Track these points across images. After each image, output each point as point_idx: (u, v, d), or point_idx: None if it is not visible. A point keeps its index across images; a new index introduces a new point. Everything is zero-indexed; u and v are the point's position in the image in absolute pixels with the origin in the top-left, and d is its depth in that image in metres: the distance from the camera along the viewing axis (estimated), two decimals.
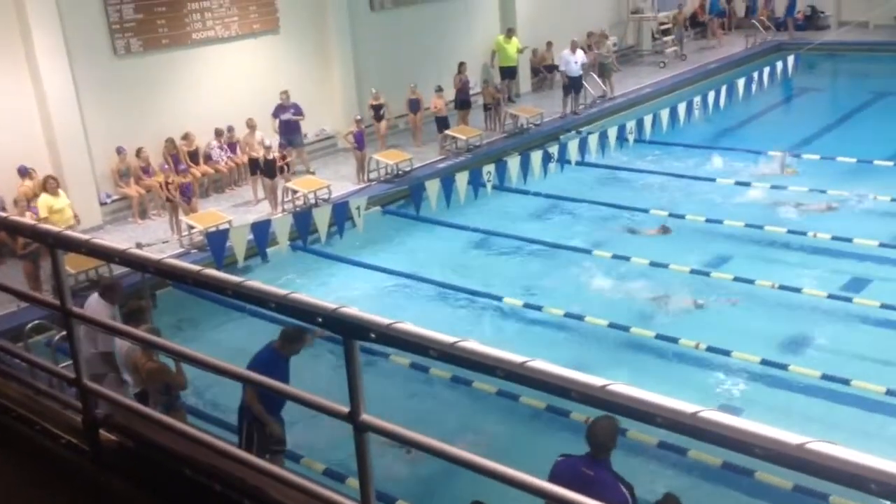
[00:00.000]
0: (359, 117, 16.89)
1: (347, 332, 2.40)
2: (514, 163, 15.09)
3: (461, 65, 19.12)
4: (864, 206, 14.16)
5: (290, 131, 16.70)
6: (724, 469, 7.64)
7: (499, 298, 11.78)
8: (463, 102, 18.80)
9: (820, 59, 24.44)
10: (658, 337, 10.38)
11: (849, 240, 12.46)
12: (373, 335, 2.35)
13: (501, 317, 11.51)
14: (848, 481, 1.60)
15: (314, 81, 18.17)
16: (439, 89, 18.27)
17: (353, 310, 2.44)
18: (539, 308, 11.41)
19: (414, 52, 19.89)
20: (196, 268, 2.77)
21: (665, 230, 13.73)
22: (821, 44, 23.84)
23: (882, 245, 12.32)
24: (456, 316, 11.43)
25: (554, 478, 4.66)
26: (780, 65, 21.11)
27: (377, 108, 18.13)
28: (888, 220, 13.51)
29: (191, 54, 16.26)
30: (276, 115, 16.64)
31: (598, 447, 5.12)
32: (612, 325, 10.73)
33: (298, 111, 16.77)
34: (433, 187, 14.07)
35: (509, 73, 21.47)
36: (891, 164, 15.69)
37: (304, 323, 2.53)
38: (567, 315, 11.13)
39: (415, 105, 18.34)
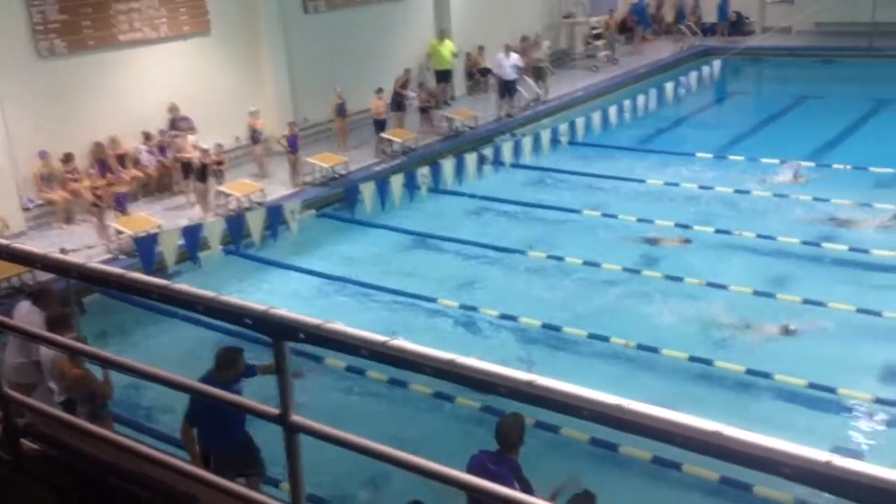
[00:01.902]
0: (292, 120, 16.75)
1: (277, 333, 2.39)
2: (449, 165, 15.16)
3: (407, 71, 19.28)
4: (781, 203, 14.60)
5: None
6: (654, 464, 7.81)
7: (433, 300, 11.81)
8: (398, 105, 18.80)
9: (745, 64, 25.18)
10: (590, 336, 10.53)
11: (773, 238, 12.88)
12: (302, 336, 2.35)
13: (437, 318, 11.54)
14: (761, 466, 1.66)
15: (247, 85, 17.94)
16: (379, 91, 18.23)
17: (282, 311, 2.43)
18: (474, 309, 11.48)
19: (349, 55, 19.81)
20: (120, 271, 2.72)
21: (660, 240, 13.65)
22: (746, 49, 24.57)
23: (805, 244, 12.73)
24: (391, 318, 11.41)
25: (468, 471, 4.78)
26: (707, 69, 21.70)
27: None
28: (805, 214, 13.97)
29: (118, 56, 15.88)
30: (171, 127, 16.24)
31: (505, 443, 5.33)
32: (545, 326, 10.86)
33: (190, 125, 16.35)
34: (368, 190, 14.05)
35: (444, 76, 21.58)
36: (812, 164, 16.24)
37: (233, 325, 2.51)
38: (502, 316, 11.22)
39: (341, 109, 18.24)
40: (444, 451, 5.97)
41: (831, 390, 8.98)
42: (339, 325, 2.31)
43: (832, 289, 11.24)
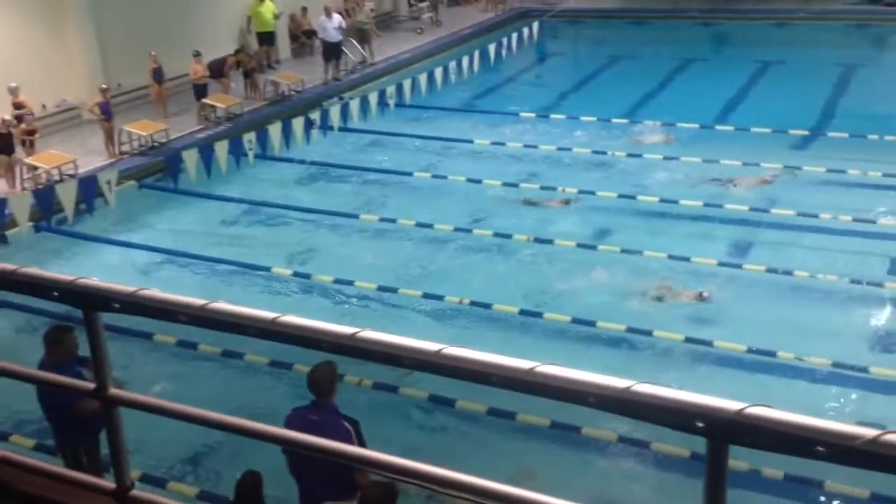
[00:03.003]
0: (104, 86, 15.78)
1: (88, 303, 2.28)
2: (275, 130, 14.82)
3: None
4: (603, 160, 15.34)
5: None
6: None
7: (267, 269, 11.61)
8: (219, 73, 18.11)
9: (562, 26, 26.03)
10: (425, 296, 10.71)
11: (591, 192, 13.49)
12: (117, 305, 2.26)
13: (272, 287, 11.35)
14: (572, 398, 1.77)
15: (48, 48, 16.66)
16: (197, 54, 17.45)
17: (93, 280, 2.32)
18: (308, 276, 11.38)
19: (164, 16, 18.80)
20: None
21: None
22: (562, 11, 25.43)
23: (621, 196, 13.43)
24: (224, 290, 11.09)
25: (285, 427, 4.81)
26: (526, 31, 22.27)
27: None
28: (614, 173, 14.73)
29: None
30: None
31: (320, 392, 5.46)
32: (381, 288, 10.93)
33: None
34: (191, 158, 13.51)
35: (267, 38, 20.98)
36: (626, 121, 17.12)
37: (39, 298, 2.36)
38: (337, 281, 11.19)
39: (158, 74, 17.37)
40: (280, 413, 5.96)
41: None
42: (155, 292, 2.24)
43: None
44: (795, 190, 13.43)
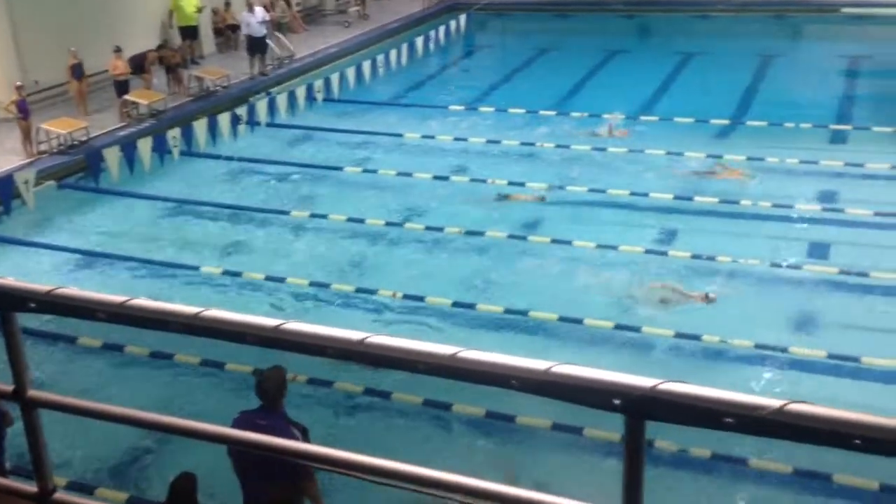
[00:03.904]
0: (20, 83, 15.26)
1: (2, 303, 2.22)
2: (201, 126, 14.58)
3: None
4: (531, 151, 15.49)
5: None
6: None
7: (196, 268, 11.41)
8: (140, 68, 17.70)
9: (489, 18, 26.18)
10: (358, 290, 10.69)
11: (521, 184, 13.62)
12: (33, 304, 2.20)
13: (201, 286, 11.16)
14: (494, 381, 1.80)
15: None
16: (118, 49, 16.99)
17: (8, 280, 2.26)
18: (238, 274, 11.23)
19: (83, 10, 18.24)
20: None
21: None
22: (488, 3, 25.57)
23: (551, 187, 13.61)
24: (151, 291, 10.86)
25: None
26: (453, 24, 22.33)
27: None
28: (546, 163, 14.93)
29: None
30: None
31: (267, 398, 5.37)
32: (313, 284, 10.87)
33: None
34: (113, 156, 13.19)
35: (190, 32, 20.57)
36: (554, 113, 17.32)
37: None
38: (268, 278, 11.07)
39: (77, 70, 16.88)
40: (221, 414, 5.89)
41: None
42: (72, 290, 2.19)
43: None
44: (719, 178, 13.79)
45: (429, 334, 9.48)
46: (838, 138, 15.54)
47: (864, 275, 10.46)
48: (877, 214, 11.96)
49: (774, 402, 1.54)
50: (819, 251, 11.41)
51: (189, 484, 5.54)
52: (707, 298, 10.15)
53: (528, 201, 13.38)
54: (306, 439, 5.38)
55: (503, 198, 13.45)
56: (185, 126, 14.65)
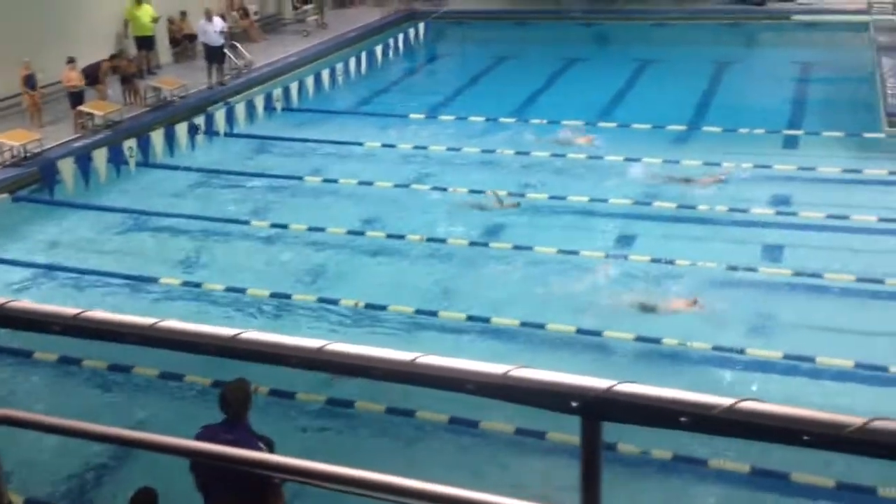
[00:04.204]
0: None
1: None
2: (158, 137, 14.43)
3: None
4: (492, 159, 15.56)
5: None
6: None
7: (154, 280, 11.27)
8: (94, 79, 17.45)
9: (448, 27, 26.29)
10: (320, 300, 10.64)
11: (479, 191, 13.68)
12: None
13: (160, 299, 11.03)
14: (452, 386, 1.81)
15: None
16: (71, 60, 16.75)
17: None
18: (198, 285, 11.12)
19: (36, 21, 17.95)
20: None
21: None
22: (447, 12, 25.68)
23: (511, 193, 13.67)
24: (109, 305, 10.72)
25: None
26: (412, 32, 22.37)
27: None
28: (507, 170, 15.00)
29: None
30: None
31: (234, 411, 5.32)
32: (273, 295, 10.80)
33: None
34: (68, 168, 13.00)
35: (146, 43, 20.34)
36: (513, 120, 17.42)
37: None
38: (228, 289, 10.97)
39: (30, 81, 16.60)
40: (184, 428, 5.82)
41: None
42: (25, 302, 2.16)
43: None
44: (676, 183, 13.98)
45: (392, 342, 9.46)
46: (790, 143, 15.85)
47: (818, 276, 10.67)
48: (828, 217, 12.22)
49: (726, 401, 1.57)
50: (773, 254, 11.62)
51: (149, 499, 5.47)
52: (695, 304, 10.18)
53: (505, 209, 13.29)
54: (272, 452, 5.33)
55: (481, 206, 13.36)
56: (142, 137, 14.49)
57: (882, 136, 15.60)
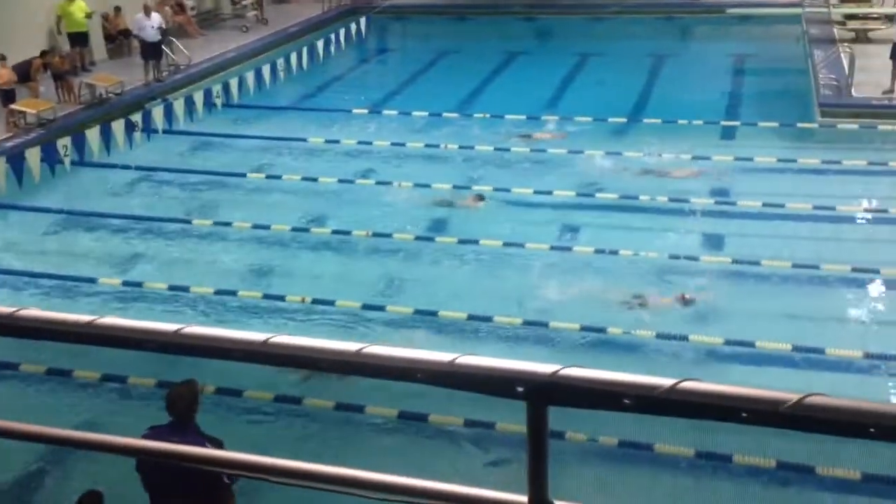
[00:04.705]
0: None
1: None
2: (93, 135, 14.10)
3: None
4: (436, 153, 15.55)
5: None
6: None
7: (93, 280, 11.02)
8: (26, 74, 16.97)
9: (389, 22, 26.19)
10: (266, 297, 10.54)
11: (427, 186, 13.68)
12: None
13: (99, 299, 10.78)
14: (400, 375, 1.81)
15: None
16: (2, 58, 16.25)
17: None
18: (139, 285, 10.91)
19: None
20: None
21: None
22: (388, 6, 25.58)
23: (455, 187, 13.69)
24: (46, 306, 10.43)
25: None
26: (353, 27, 22.24)
27: None
28: (451, 164, 15.04)
29: None
30: None
31: (180, 413, 5.26)
32: (218, 292, 10.65)
33: None
34: None
35: (79, 39, 19.82)
36: (456, 115, 17.43)
37: None
38: (172, 287, 10.79)
39: None
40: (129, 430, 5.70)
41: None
42: None
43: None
44: (618, 175, 14.17)
45: (340, 337, 9.39)
46: (728, 134, 16.18)
47: (756, 263, 10.92)
48: (765, 206, 12.51)
49: (668, 382, 1.60)
50: (714, 242, 11.85)
51: (96, 502, 5.36)
52: (684, 300, 10.27)
53: (471, 206, 13.22)
54: None
55: (448, 203, 13.28)
56: (77, 135, 14.14)
57: (815, 125, 16.02)
